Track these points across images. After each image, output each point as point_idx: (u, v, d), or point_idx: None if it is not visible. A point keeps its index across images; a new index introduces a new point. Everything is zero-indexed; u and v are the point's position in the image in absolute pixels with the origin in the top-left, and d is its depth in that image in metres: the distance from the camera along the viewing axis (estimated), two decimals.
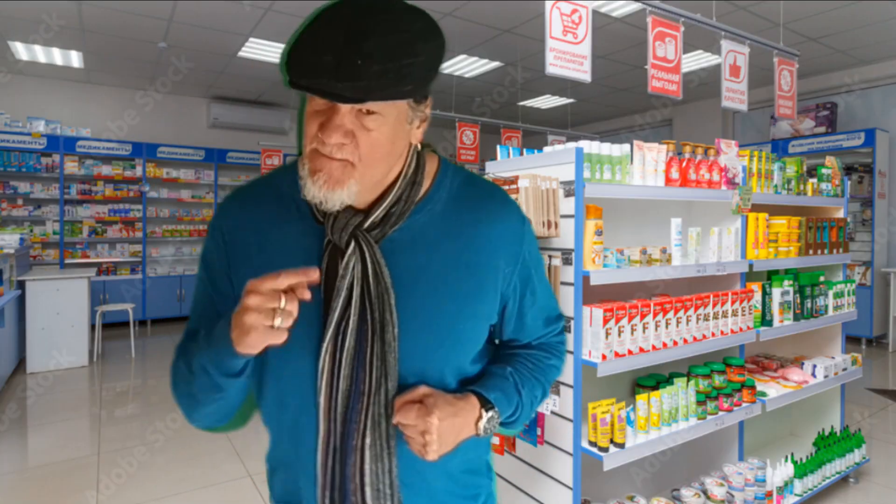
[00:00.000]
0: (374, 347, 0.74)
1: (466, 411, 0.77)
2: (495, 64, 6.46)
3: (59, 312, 5.01)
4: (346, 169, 0.69)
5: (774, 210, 2.65)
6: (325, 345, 0.73)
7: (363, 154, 0.69)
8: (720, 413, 2.17)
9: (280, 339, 0.66)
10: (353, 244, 0.74)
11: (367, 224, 0.75)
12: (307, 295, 0.65)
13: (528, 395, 0.86)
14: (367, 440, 0.74)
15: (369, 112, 0.67)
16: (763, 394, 2.39)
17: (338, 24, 0.63)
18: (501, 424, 0.85)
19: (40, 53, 6.02)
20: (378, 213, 0.75)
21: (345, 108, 0.67)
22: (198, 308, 0.85)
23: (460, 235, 0.79)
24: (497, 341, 0.93)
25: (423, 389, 0.75)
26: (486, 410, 0.79)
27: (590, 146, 1.90)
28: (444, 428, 0.72)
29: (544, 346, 0.93)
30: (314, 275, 0.64)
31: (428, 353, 0.77)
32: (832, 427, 2.93)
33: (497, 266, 0.81)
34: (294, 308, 0.64)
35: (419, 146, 0.82)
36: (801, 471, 2.49)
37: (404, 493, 0.76)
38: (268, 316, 0.63)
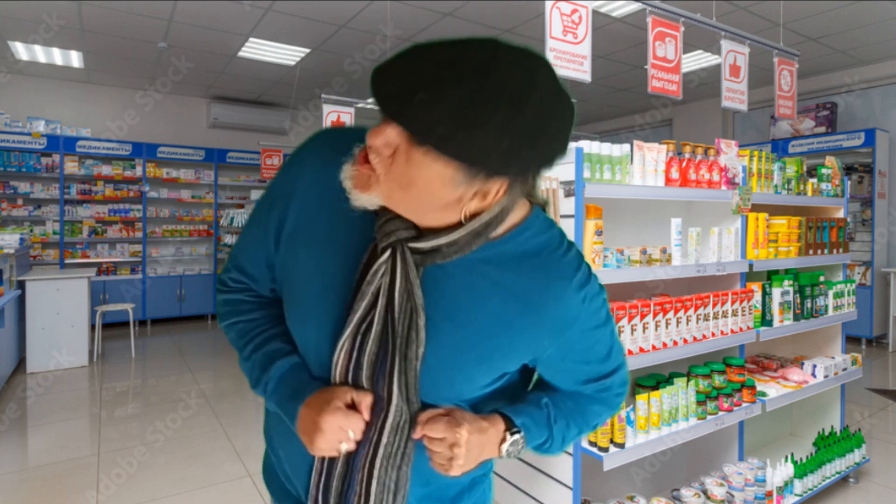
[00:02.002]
0: (395, 360, 0.73)
1: (490, 431, 0.75)
2: None
3: (59, 312, 5.01)
4: (370, 179, 0.67)
5: (774, 210, 2.65)
6: (341, 341, 0.73)
7: (390, 175, 0.65)
8: (720, 413, 2.17)
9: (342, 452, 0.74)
10: (387, 253, 0.72)
11: (412, 243, 0.72)
12: (367, 416, 0.73)
13: (560, 431, 0.82)
14: (381, 451, 0.74)
15: (418, 145, 0.61)
16: (763, 394, 2.39)
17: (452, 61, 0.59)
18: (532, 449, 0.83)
19: (40, 53, 6.02)
20: (426, 244, 0.72)
21: (393, 128, 0.63)
22: (247, 245, 0.87)
23: (513, 295, 0.74)
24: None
25: (449, 407, 0.75)
26: (511, 434, 0.76)
27: (590, 146, 1.89)
28: (472, 443, 0.72)
29: (586, 394, 0.85)
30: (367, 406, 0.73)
31: (438, 387, 0.75)
32: (832, 427, 2.92)
33: (538, 338, 0.76)
34: (359, 435, 0.73)
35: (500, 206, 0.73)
36: (801, 471, 2.49)
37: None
38: (337, 443, 0.73)
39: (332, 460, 0.76)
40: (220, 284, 0.92)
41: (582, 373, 0.83)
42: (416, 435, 0.73)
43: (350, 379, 0.74)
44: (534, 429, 0.79)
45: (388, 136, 0.63)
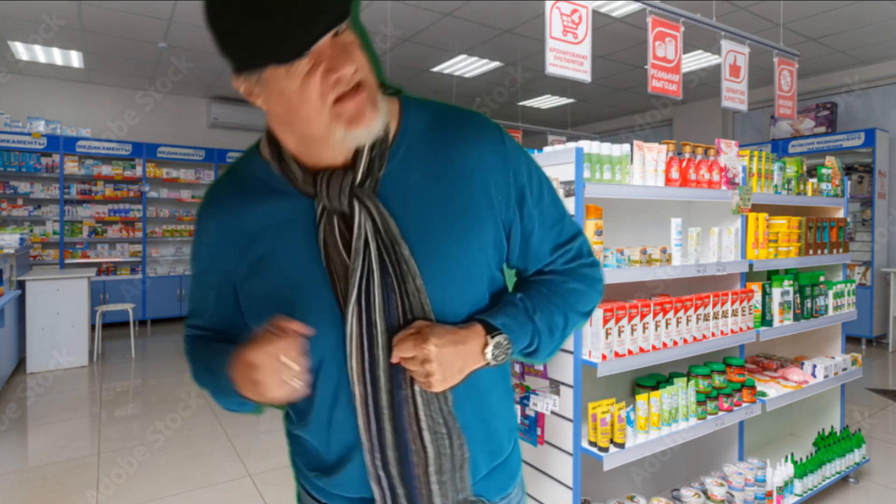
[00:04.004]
0: (403, 299, 0.74)
1: (470, 339, 0.75)
2: (495, 64, 6.46)
3: (59, 312, 5.01)
4: (370, 99, 0.68)
5: (774, 210, 2.65)
6: (350, 308, 0.73)
7: (364, 67, 0.68)
8: (720, 413, 2.17)
9: (298, 391, 0.71)
10: (357, 204, 0.73)
11: (358, 179, 0.73)
12: (294, 329, 0.70)
13: (544, 321, 0.82)
14: (417, 386, 0.74)
15: (337, 32, 0.65)
16: (763, 394, 2.39)
17: None
18: (523, 355, 0.84)
19: (40, 53, 6.02)
20: (363, 163, 0.73)
21: (325, 42, 0.64)
22: (199, 293, 0.88)
23: (445, 173, 0.76)
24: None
25: (418, 323, 0.74)
26: (493, 336, 0.76)
27: (590, 146, 1.89)
28: (445, 355, 0.72)
29: (560, 271, 0.88)
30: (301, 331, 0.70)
31: (445, 297, 0.76)
32: (832, 427, 2.92)
33: (489, 194, 0.78)
34: (293, 354, 0.68)
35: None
36: (801, 471, 2.49)
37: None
38: (278, 374, 0.68)
39: (380, 432, 0.75)
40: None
41: (545, 241, 0.85)
42: (394, 360, 0.73)
43: (367, 344, 0.74)
44: (515, 327, 0.79)
45: (336, 50, 0.65)
